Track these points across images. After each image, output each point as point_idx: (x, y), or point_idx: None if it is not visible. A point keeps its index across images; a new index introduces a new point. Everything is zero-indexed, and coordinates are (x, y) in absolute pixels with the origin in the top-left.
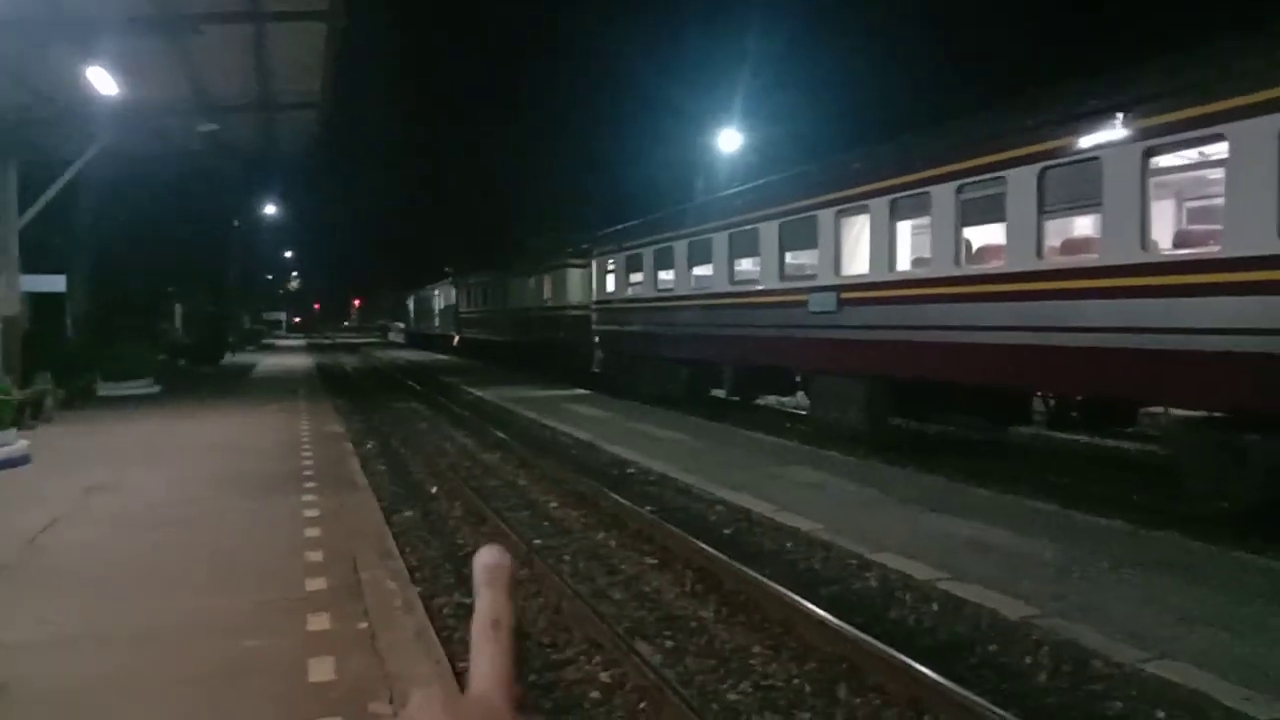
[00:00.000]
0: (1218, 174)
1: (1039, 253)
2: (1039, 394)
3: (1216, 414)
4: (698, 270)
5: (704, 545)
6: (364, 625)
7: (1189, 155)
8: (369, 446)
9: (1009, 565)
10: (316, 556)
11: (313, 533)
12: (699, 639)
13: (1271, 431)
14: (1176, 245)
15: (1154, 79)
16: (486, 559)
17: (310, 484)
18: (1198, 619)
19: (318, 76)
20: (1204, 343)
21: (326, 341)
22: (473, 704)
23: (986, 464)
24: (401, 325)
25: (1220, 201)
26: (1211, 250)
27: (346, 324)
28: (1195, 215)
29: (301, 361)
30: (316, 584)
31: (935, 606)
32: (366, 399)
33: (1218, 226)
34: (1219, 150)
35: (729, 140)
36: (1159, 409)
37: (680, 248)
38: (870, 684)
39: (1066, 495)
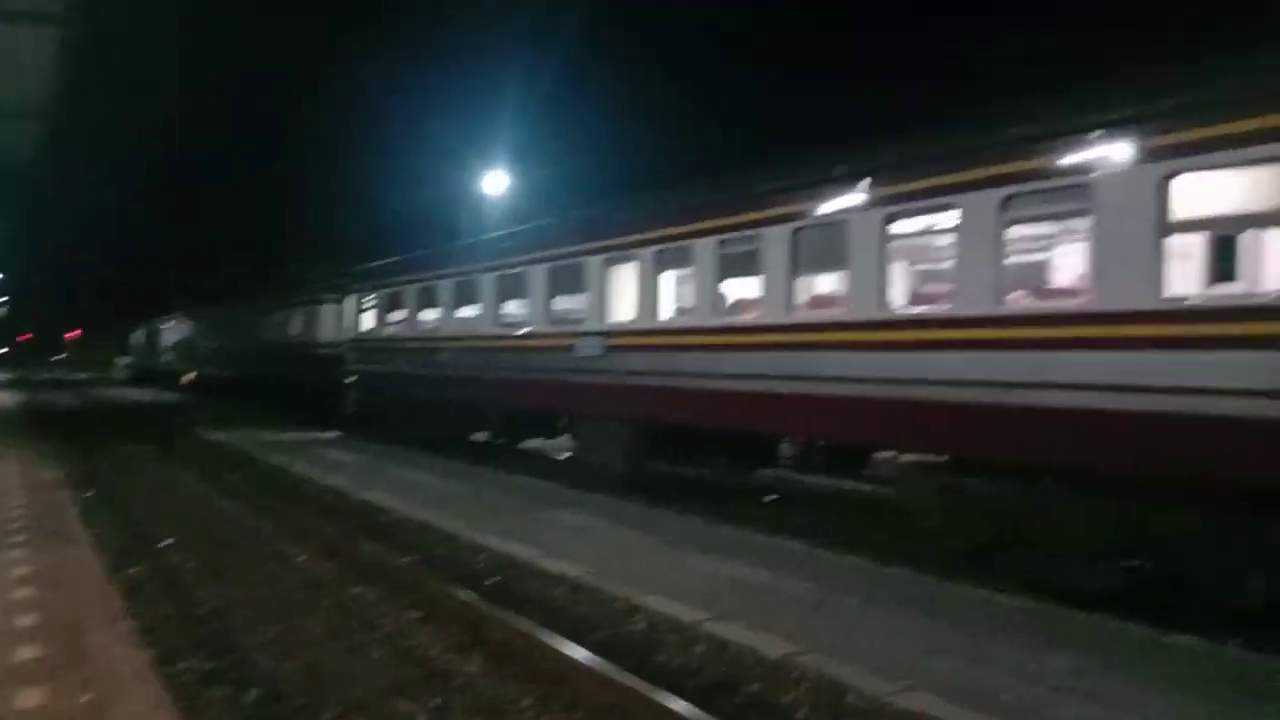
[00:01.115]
0: (950, 239)
1: (790, 307)
2: (787, 439)
3: (942, 459)
4: (464, 311)
5: (468, 595)
6: (89, 698)
7: (925, 222)
8: (89, 495)
9: (767, 604)
10: (29, 620)
11: (24, 594)
12: (466, 695)
13: (991, 476)
14: (912, 303)
15: (893, 153)
16: None
17: (19, 537)
18: (937, 650)
19: (42, 84)
20: (935, 393)
21: (40, 378)
22: None
23: (738, 506)
24: (128, 359)
25: (952, 264)
26: (942, 309)
27: (56, 358)
28: (929, 277)
29: (4, 399)
30: (29, 653)
31: (701, 648)
32: (86, 442)
33: (950, 287)
34: (951, 218)
35: (495, 182)
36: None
37: (445, 287)
38: None
39: (813, 534)
